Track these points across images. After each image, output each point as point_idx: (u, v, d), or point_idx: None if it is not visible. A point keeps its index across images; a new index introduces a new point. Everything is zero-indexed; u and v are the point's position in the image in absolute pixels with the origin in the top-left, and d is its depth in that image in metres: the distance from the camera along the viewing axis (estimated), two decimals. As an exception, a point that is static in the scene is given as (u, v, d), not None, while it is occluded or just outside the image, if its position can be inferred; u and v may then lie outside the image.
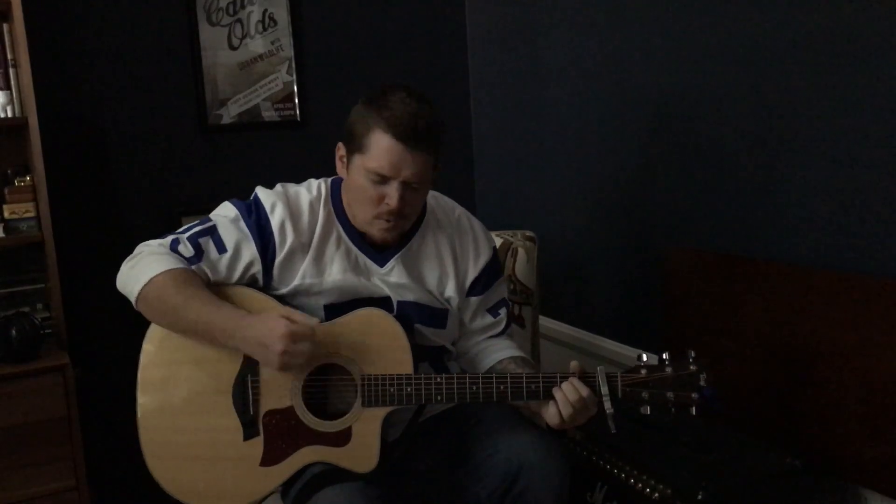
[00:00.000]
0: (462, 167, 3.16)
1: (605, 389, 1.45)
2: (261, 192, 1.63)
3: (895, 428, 1.56)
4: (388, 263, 1.64)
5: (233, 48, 2.77)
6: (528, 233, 2.26)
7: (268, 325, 1.45)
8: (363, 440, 1.53)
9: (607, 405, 1.44)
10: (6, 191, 2.34)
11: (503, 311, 1.75)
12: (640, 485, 1.65)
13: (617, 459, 1.73)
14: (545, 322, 2.64)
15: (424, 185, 1.55)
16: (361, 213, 1.58)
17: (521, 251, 2.20)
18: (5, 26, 2.30)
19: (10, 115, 2.32)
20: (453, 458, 1.62)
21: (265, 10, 2.80)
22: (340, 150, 1.60)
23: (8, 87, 2.31)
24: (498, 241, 2.20)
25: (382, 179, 1.51)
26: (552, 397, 1.47)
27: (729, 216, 1.99)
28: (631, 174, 2.32)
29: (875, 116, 1.62)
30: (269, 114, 2.85)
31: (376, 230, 1.57)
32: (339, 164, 1.61)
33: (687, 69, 2.07)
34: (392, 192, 1.51)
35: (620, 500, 1.71)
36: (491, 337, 1.74)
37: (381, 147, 1.49)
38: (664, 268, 2.13)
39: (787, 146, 1.82)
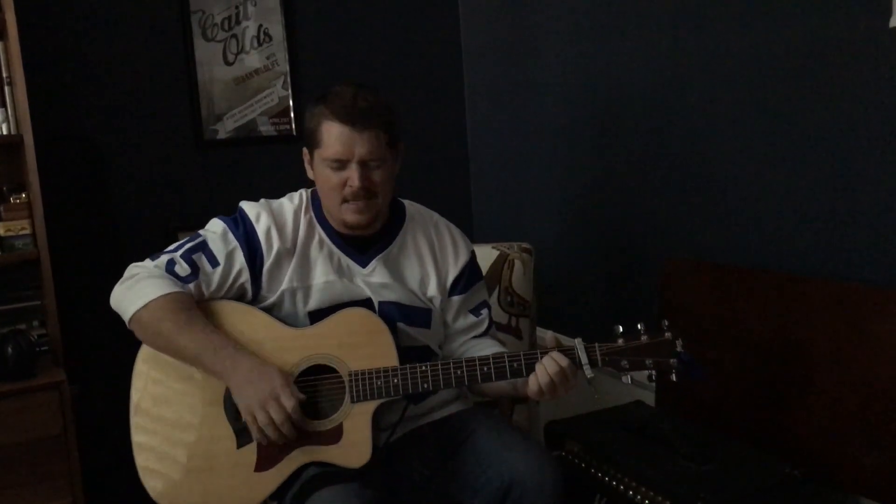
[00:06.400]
0: (458, 180, 3.17)
1: (584, 358, 1.51)
2: (245, 205, 1.70)
3: (894, 437, 1.56)
4: (370, 264, 1.68)
5: (228, 63, 2.78)
6: (525, 244, 2.26)
7: (261, 383, 1.50)
8: (354, 435, 1.55)
9: (587, 371, 1.50)
10: (1, 208, 2.34)
11: (485, 312, 1.80)
12: (638, 496, 1.65)
13: (615, 471, 1.72)
14: (542, 334, 2.63)
15: (385, 163, 1.61)
16: (331, 204, 1.64)
17: (517, 263, 2.20)
18: (0, 44, 2.30)
19: (5, 132, 2.31)
20: (446, 471, 1.63)
21: (260, 26, 2.81)
22: (306, 155, 1.68)
23: (3, 105, 2.31)
24: (494, 254, 2.20)
25: (341, 165, 1.59)
26: (534, 372, 1.51)
27: (725, 227, 1.99)
28: (627, 186, 2.32)
29: (868, 127, 1.63)
30: (265, 128, 2.86)
31: (348, 215, 1.62)
32: (308, 170, 1.69)
33: (680, 81, 2.08)
34: (352, 174, 1.58)
35: (619, 512, 1.70)
36: (475, 337, 1.78)
37: (332, 134, 1.58)
38: (661, 279, 2.13)
39: (781, 157, 1.82)
